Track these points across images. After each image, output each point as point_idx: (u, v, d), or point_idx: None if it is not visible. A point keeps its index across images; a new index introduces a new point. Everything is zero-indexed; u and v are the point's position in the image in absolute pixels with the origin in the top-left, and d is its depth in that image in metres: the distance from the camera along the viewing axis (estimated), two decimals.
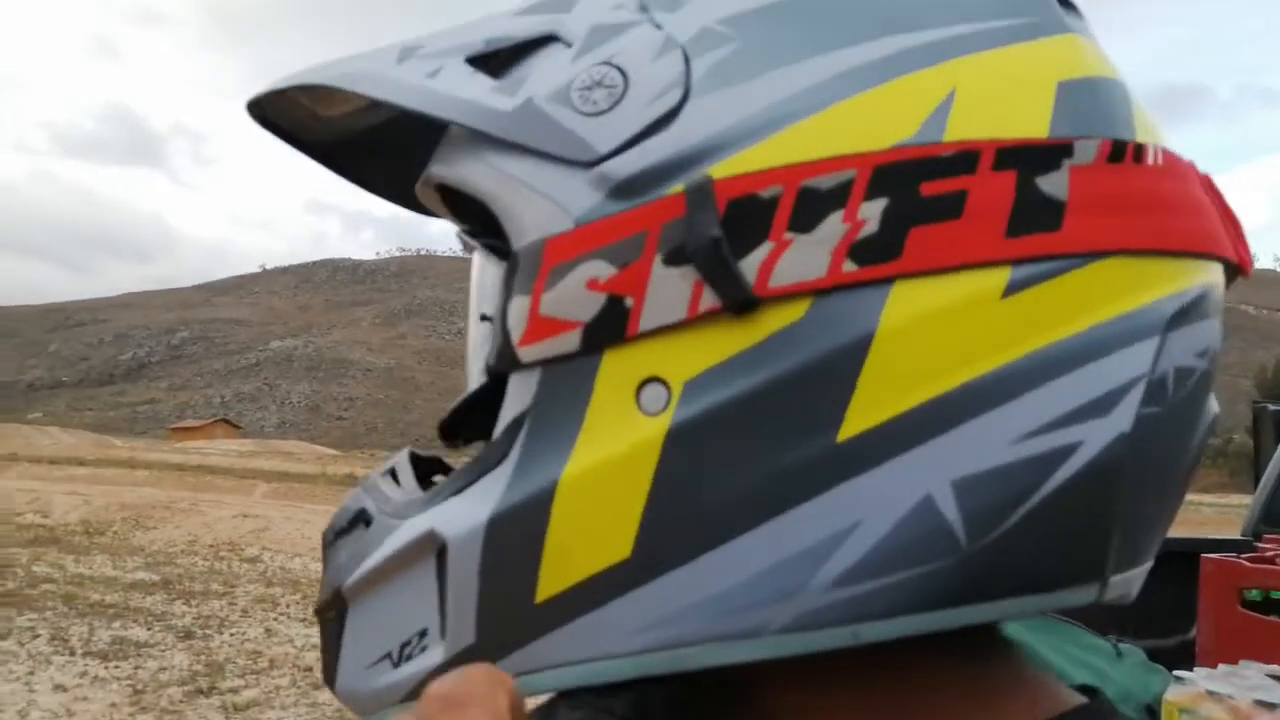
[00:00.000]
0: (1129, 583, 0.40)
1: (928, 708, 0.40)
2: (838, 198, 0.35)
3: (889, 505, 0.35)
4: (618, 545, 0.36)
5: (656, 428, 0.36)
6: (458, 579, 0.39)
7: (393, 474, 0.48)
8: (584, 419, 0.37)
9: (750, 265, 0.35)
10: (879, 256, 0.35)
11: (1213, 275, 0.40)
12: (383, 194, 0.54)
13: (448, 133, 0.44)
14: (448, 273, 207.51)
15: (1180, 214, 0.39)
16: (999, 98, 0.37)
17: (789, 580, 0.35)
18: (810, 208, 0.35)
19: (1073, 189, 0.36)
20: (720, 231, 0.35)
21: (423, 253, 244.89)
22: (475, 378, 0.49)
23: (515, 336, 0.38)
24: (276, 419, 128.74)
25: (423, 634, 0.40)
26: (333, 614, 0.44)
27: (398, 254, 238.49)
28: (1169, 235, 0.38)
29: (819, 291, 0.35)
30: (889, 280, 0.35)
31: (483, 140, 0.40)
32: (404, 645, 0.41)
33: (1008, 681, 0.42)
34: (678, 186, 0.36)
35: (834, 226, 0.35)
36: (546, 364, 0.38)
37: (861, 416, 0.35)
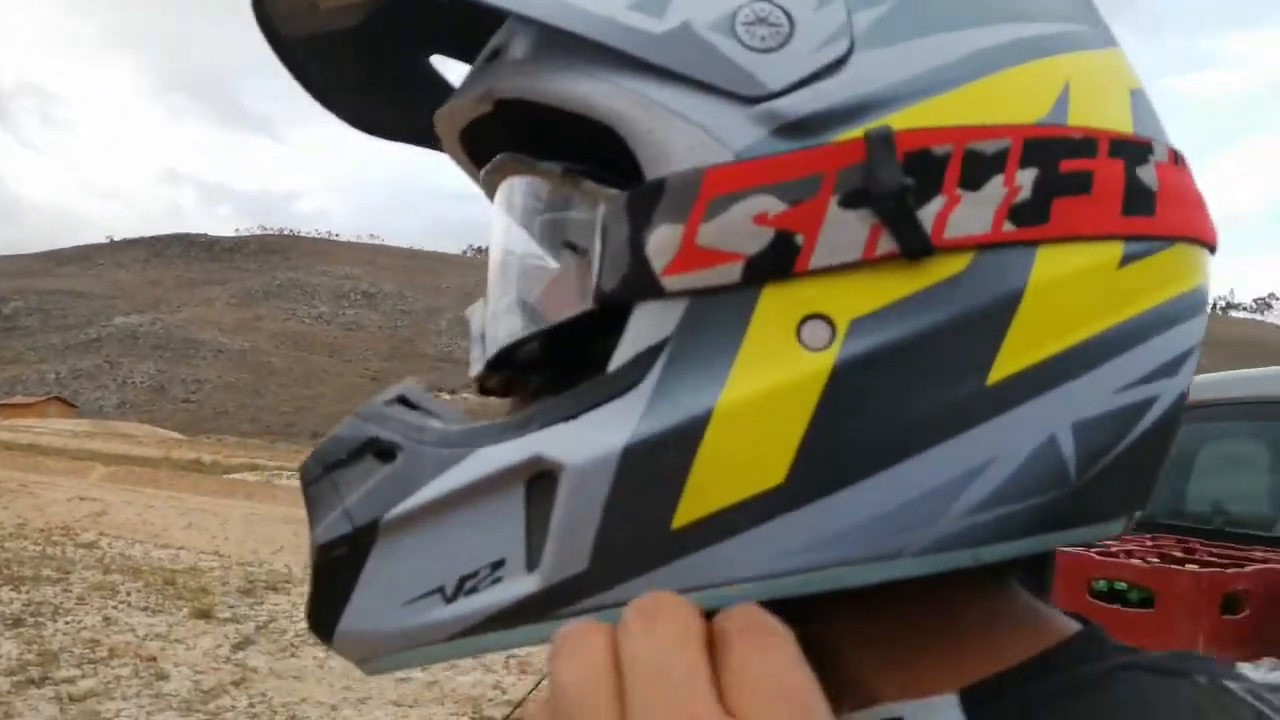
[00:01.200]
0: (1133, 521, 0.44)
1: (957, 633, 0.42)
2: (998, 163, 0.37)
3: (1021, 443, 0.38)
4: (771, 473, 0.37)
5: (821, 362, 0.37)
6: (573, 506, 0.38)
7: (404, 401, 0.45)
8: (739, 350, 0.37)
9: (927, 215, 0.36)
10: (1032, 220, 0.38)
11: None
12: (345, 105, 0.52)
13: (520, 41, 0.42)
14: (311, 254, 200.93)
15: (1206, 211, 0.44)
16: (1101, 94, 0.41)
17: (930, 509, 0.37)
18: (976, 168, 0.37)
19: (1159, 180, 0.40)
20: (910, 180, 0.36)
21: (286, 232, 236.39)
22: (512, 319, 0.47)
23: (659, 265, 0.37)
24: (116, 399, 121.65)
25: (497, 565, 0.39)
26: (343, 550, 0.41)
27: (258, 232, 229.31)
28: (1207, 229, 0.43)
29: (981, 246, 0.37)
30: (1037, 243, 0.38)
31: (614, 59, 0.38)
32: (465, 579, 0.39)
33: (1018, 609, 0.44)
34: (855, 132, 0.37)
35: (996, 188, 0.37)
36: (695, 294, 0.37)
37: (1009, 362, 0.37)
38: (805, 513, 0.37)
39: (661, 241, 0.37)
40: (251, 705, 5.82)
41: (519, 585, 0.39)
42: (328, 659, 7.13)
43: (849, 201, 0.36)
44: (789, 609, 0.41)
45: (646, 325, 0.38)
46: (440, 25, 0.50)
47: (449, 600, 0.40)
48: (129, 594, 8.96)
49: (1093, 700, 0.39)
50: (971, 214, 0.37)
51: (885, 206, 0.36)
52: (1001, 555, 0.38)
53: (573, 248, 0.44)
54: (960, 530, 0.38)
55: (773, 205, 0.36)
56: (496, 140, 0.46)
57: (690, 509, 0.37)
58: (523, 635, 0.39)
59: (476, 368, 0.49)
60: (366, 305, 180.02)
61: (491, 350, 0.48)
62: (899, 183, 0.36)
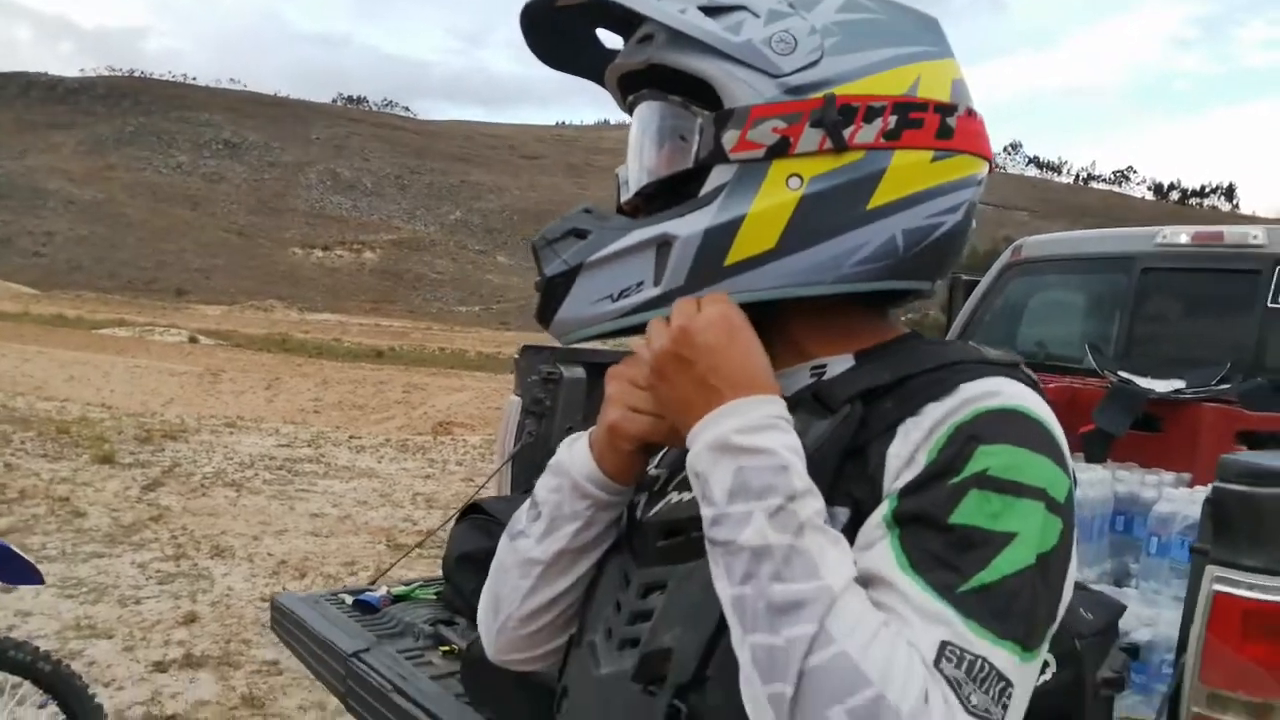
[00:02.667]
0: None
1: (854, 326, 0.86)
2: (880, 111, 0.80)
3: (879, 235, 0.81)
4: (768, 241, 0.80)
5: (796, 195, 0.80)
6: (678, 255, 0.80)
7: (583, 214, 0.86)
8: (759, 188, 0.80)
9: (846, 133, 0.79)
10: (893, 138, 0.80)
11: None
12: (543, 48, 0.92)
13: (662, 35, 0.82)
14: (165, 99, 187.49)
15: (986, 139, 0.88)
16: (934, 82, 0.83)
17: (838, 263, 0.81)
18: (870, 113, 0.79)
19: (957, 124, 0.83)
20: (838, 117, 0.79)
21: (136, 74, 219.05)
22: (640, 178, 0.87)
23: (728, 146, 0.79)
24: None
25: (640, 284, 0.81)
26: (560, 279, 0.83)
27: (106, 73, 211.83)
28: (985, 148, 0.87)
29: (868, 148, 0.80)
30: (894, 149, 0.80)
31: (714, 51, 0.80)
32: (623, 290, 0.82)
33: (885, 322, 0.89)
34: (819, 94, 0.79)
35: (879, 123, 0.80)
36: (742, 162, 0.80)
37: (878, 198, 0.80)
38: (782, 261, 0.81)
39: (730, 136, 0.80)
40: (174, 537, 6.16)
41: (651, 291, 0.81)
42: (239, 498, 7.49)
43: (814, 124, 0.79)
44: (771, 309, 0.84)
45: (719, 175, 0.80)
46: (610, 19, 0.89)
47: (615, 300, 0.82)
48: (24, 443, 9.00)
49: (905, 346, 0.84)
50: (866, 133, 0.79)
51: (828, 127, 0.79)
52: (868, 288, 0.83)
53: (682, 138, 0.84)
54: (852, 273, 0.82)
55: (779, 124, 0.79)
56: (636, 83, 0.87)
57: (733, 255, 0.80)
58: (650, 315, 0.81)
59: (626, 195, 0.89)
60: (229, 156, 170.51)
61: (636, 189, 0.87)
62: (834, 118, 0.79)
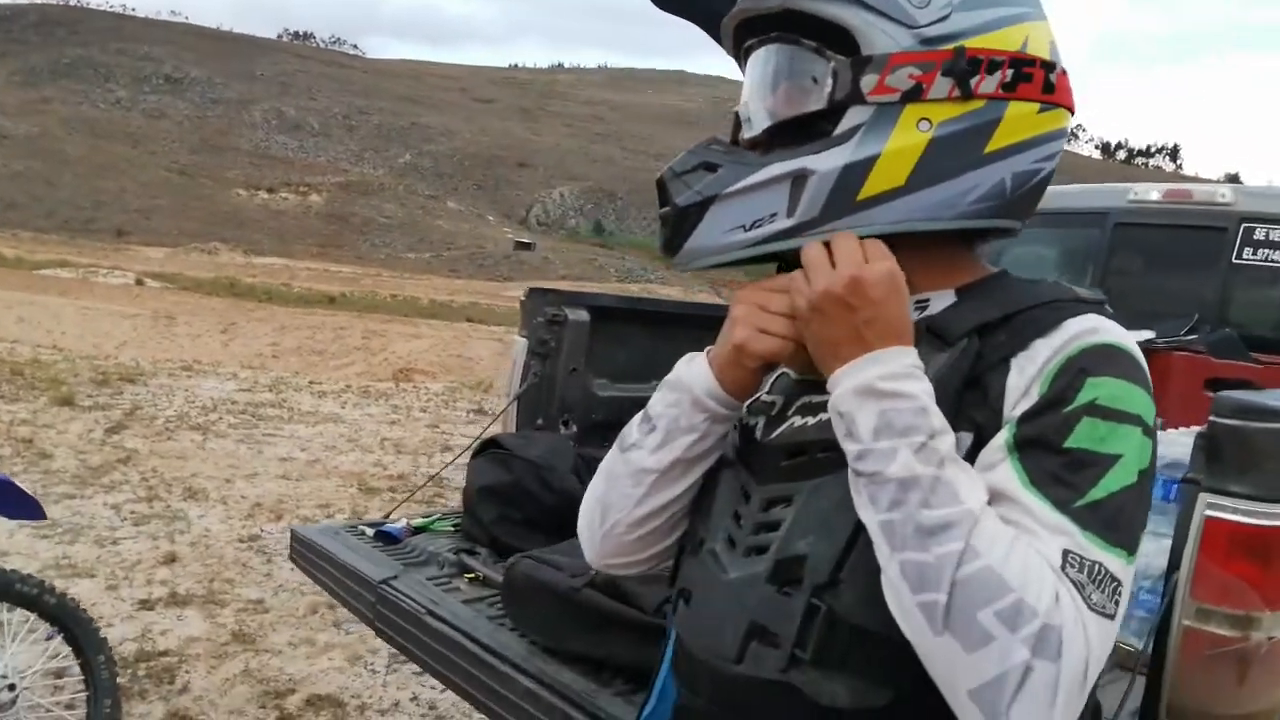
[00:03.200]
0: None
1: (957, 263, 0.95)
2: (999, 65, 0.88)
3: (992, 177, 0.90)
4: (899, 178, 0.88)
5: (925, 137, 0.88)
6: (814, 188, 0.88)
7: (710, 148, 0.93)
8: (893, 129, 0.88)
9: (972, 83, 0.87)
10: (1009, 90, 0.89)
11: None
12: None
13: None
14: (102, 30, 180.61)
15: (1072, 94, 0.96)
16: (1039, 41, 0.91)
17: (957, 200, 0.90)
18: (992, 67, 0.88)
19: (1057, 80, 0.92)
20: (969, 69, 0.87)
21: (72, 3, 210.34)
22: (766, 117, 0.94)
23: (866, 89, 0.87)
24: None
25: (773, 215, 0.89)
26: (693, 209, 0.90)
27: (39, 0, 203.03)
28: (1072, 103, 0.96)
29: (989, 98, 0.88)
30: (1010, 100, 0.89)
31: (855, 1, 0.87)
32: (755, 221, 0.89)
33: (981, 261, 0.98)
34: (950, 46, 0.87)
35: (999, 75, 0.88)
36: (879, 105, 0.88)
37: (992, 145, 0.89)
38: (909, 198, 0.89)
39: (868, 81, 0.87)
40: (145, 480, 6.15)
41: (784, 223, 0.89)
42: (205, 441, 7.47)
43: (945, 73, 0.86)
44: (892, 248, 0.92)
45: (855, 115, 0.88)
46: None
47: (747, 230, 0.90)
48: None
49: (1002, 284, 0.94)
50: (988, 84, 0.87)
51: (957, 76, 0.87)
52: (981, 224, 0.92)
53: (813, 80, 0.91)
54: (967, 211, 0.91)
55: (915, 71, 0.87)
56: (758, 28, 0.94)
57: (865, 191, 0.88)
58: (783, 245, 0.90)
59: (750, 133, 0.96)
60: (171, 91, 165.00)
61: (767, 124, 0.94)
62: (963, 68, 0.87)
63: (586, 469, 2.47)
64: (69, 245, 55.12)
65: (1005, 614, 0.72)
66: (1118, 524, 0.78)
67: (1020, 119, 0.90)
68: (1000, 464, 0.80)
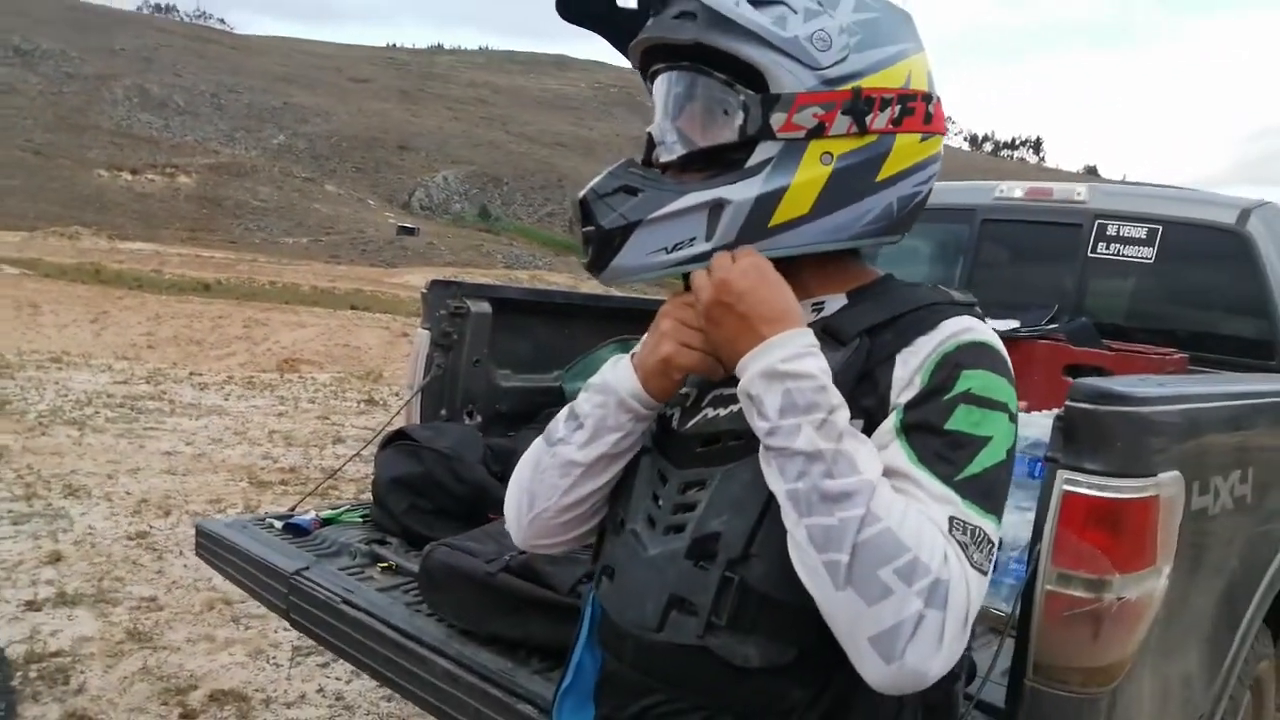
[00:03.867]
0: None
1: (849, 272, 1.08)
2: (890, 102, 1.00)
3: (881, 203, 1.03)
4: (805, 206, 1.00)
5: (828, 170, 0.99)
6: (729, 216, 0.98)
7: (629, 170, 1.02)
8: (799, 163, 0.99)
9: (868, 119, 0.99)
10: (898, 124, 1.01)
11: None
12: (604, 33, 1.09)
13: (706, 15, 0.97)
14: None
15: (944, 120, 1.09)
16: (919, 74, 1.04)
17: (851, 224, 1.02)
18: (883, 104, 1.00)
19: (934, 110, 1.06)
20: (865, 107, 0.98)
21: None
22: (681, 144, 1.03)
23: (775, 126, 0.97)
24: None
25: (692, 240, 0.99)
26: (617, 232, 0.99)
27: None
28: (944, 128, 1.09)
29: (880, 132, 1.01)
30: (897, 133, 1.01)
31: (765, 43, 0.97)
32: (676, 244, 0.99)
33: (869, 268, 1.11)
34: (849, 86, 0.98)
35: (889, 111, 1.00)
36: (787, 140, 0.98)
37: (884, 172, 1.02)
38: (813, 224, 1.01)
39: (778, 118, 0.98)
40: (20, 477, 5.90)
41: (702, 246, 1.00)
42: (83, 436, 7.19)
43: (844, 112, 0.98)
44: (793, 262, 1.04)
45: (765, 150, 0.99)
46: None
47: (669, 253, 1.00)
48: None
49: (886, 287, 1.07)
50: (880, 120, 0.99)
51: (855, 115, 0.99)
52: (872, 243, 1.05)
53: (725, 112, 1.00)
54: (860, 232, 1.03)
55: (818, 111, 0.98)
56: (668, 54, 1.03)
57: (775, 219, 0.99)
58: (701, 265, 0.99)
59: (667, 158, 1.04)
60: (21, 64, 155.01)
61: (682, 153, 1.03)
62: (860, 107, 0.98)
63: (494, 459, 2.55)
64: None
65: (903, 571, 0.85)
66: (991, 494, 0.92)
67: (906, 149, 1.03)
68: (890, 445, 0.93)
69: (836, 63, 0.99)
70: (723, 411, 1.04)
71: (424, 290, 2.96)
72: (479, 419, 2.96)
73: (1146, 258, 3.46)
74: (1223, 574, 2.19)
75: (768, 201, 0.99)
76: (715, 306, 0.96)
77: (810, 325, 1.02)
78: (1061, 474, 1.78)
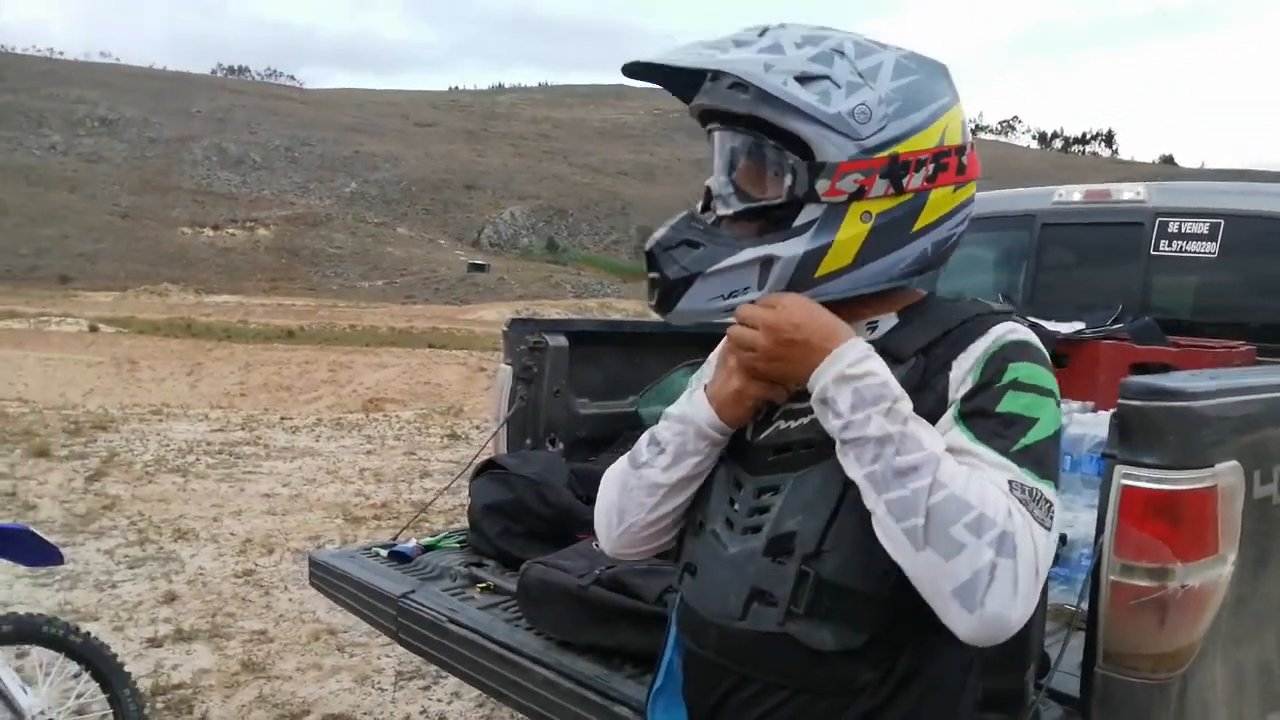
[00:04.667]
0: None
1: (897, 297, 1.20)
2: (925, 163, 1.13)
3: (919, 248, 1.16)
4: (848, 259, 1.13)
5: (868, 227, 1.12)
6: (779, 270, 1.12)
7: (690, 225, 1.17)
8: (842, 222, 1.12)
9: (904, 181, 1.12)
10: (932, 181, 1.14)
11: None
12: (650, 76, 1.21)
13: (761, 96, 1.09)
14: (31, 75, 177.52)
15: (978, 163, 1.22)
16: (954, 129, 1.16)
17: (894, 268, 1.15)
18: (918, 165, 1.13)
19: (968, 160, 1.18)
20: (901, 170, 1.11)
21: None
22: (736, 200, 1.16)
23: (820, 191, 1.10)
24: None
25: (746, 289, 1.13)
26: (680, 282, 1.13)
27: None
28: (978, 172, 1.21)
29: (916, 191, 1.13)
30: (933, 187, 1.14)
31: (811, 119, 1.09)
32: (732, 293, 1.14)
33: (914, 290, 1.23)
34: (886, 153, 1.11)
35: (924, 170, 1.13)
36: (831, 204, 1.11)
37: (920, 223, 1.15)
38: (855, 273, 1.13)
39: (822, 184, 1.11)
40: (133, 524, 6.26)
41: (755, 294, 1.13)
42: (187, 483, 7.57)
43: (883, 175, 1.10)
44: (854, 299, 1.17)
45: (811, 211, 1.12)
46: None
47: (725, 300, 1.14)
48: None
49: (933, 304, 1.19)
50: (915, 180, 1.11)
51: (892, 179, 1.11)
52: (913, 280, 1.18)
53: (775, 173, 1.14)
54: (898, 275, 1.15)
55: (859, 177, 1.11)
56: (724, 117, 1.16)
57: (820, 271, 1.13)
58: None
59: (723, 211, 1.18)
60: (107, 133, 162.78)
61: (737, 209, 1.16)
62: (897, 171, 1.11)
63: (579, 483, 2.71)
64: (14, 295, 54.11)
65: (972, 525, 0.97)
66: (1044, 461, 1.04)
67: (940, 200, 1.15)
68: (950, 430, 1.06)
69: (876, 132, 1.10)
70: (793, 424, 1.17)
71: (504, 328, 3.15)
72: (561, 446, 3.12)
73: (1210, 252, 3.48)
74: None
75: (814, 256, 1.12)
76: (779, 345, 1.10)
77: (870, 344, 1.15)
78: (1119, 469, 1.86)
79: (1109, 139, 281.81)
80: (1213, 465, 1.85)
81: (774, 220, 1.14)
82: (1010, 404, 1.05)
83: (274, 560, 5.62)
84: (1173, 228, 3.58)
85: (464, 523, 2.97)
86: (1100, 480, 2.64)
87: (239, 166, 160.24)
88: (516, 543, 2.55)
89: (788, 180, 1.12)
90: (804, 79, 1.10)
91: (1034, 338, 1.13)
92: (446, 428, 11.04)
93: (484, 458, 3.02)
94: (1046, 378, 1.09)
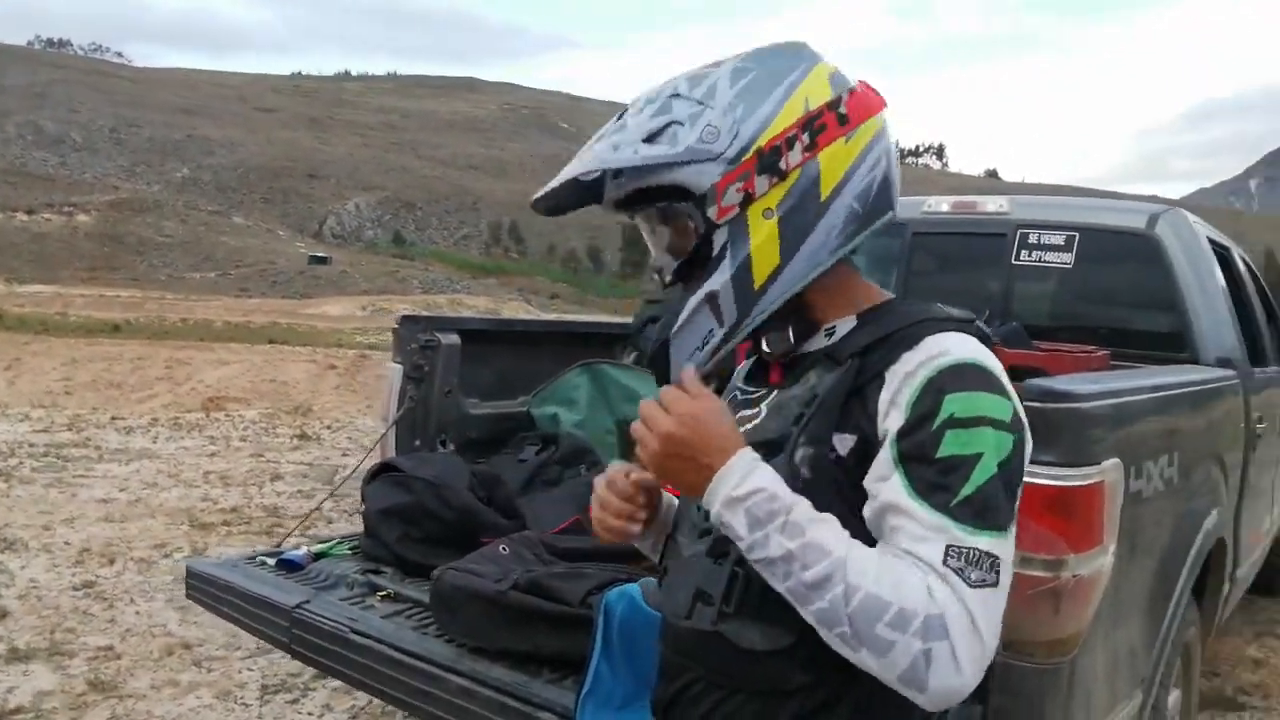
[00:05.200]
0: None
1: (853, 295, 1.21)
2: (795, 138, 1.12)
3: (842, 209, 1.15)
4: (775, 258, 1.14)
5: (774, 221, 1.13)
6: (724, 300, 1.13)
7: (647, 307, 1.23)
8: (748, 230, 1.13)
9: (781, 165, 1.13)
10: (812, 148, 1.13)
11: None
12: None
13: (631, 172, 1.12)
14: None
15: (872, 96, 1.21)
16: (817, 90, 1.15)
17: (825, 244, 1.14)
18: (789, 143, 1.13)
19: (847, 108, 1.16)
20: (773, 158, 1.12)
21: None
22: (671, 262, 1.19)
23: (714, 217, 1.13)
24: None
25: (711, 331, 1.15)
26: (660, 352, 1.16)
27: None
28: (875, 103, 1.20)
29: (799, 165, 1.13)
30: (818, 152, 1.13)
31: (669, 166, 1.11)
32: (704, 340, 1.15)
33: (875, 289, 1.24)
34: (750, 153, 1.12)
35: (798, 144, 1.13)
36: (729, 221, 1.13)
37: (825, 189, 1.14)
38: (791, 265, 1.13)
39: (712, 211, 1.12)
40: None
41: (721, 331, 1.13)
42: (10, 489, 6.99)
43: (760, 173, 1.10)
44: (799, 296, 1.18)
45: (719, 236, 1.13)
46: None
47: (702, 350, 1.14)
48: None
49: (891, 308, 1.20)
50: (794, 156, 1.11)
51: (768, 169, 1.11)
52: (854, 245, 1.17)
53: (680, 223, 1.16)
54: (837, 244, 1.15)
55: (739, 185, 1.11)
56: (625, 202, 1.17)
57: (757, 281, 1.13)
58: (732, 344, 1.15)
59: (669, 279, 1.20)
60: None
61: (671, 272, 1.19)
62: (769, 161, 1.10)
63: (480, 484, 2.65)
64: None
65: (894, 623, 0.96)
66: (986, 511, 1.00)
67: (834, 158, 1.14)
68: (891, 476, 1.03)
69: (731, 142, 1.12)
70: (745, 428, 1.18)
71: (395, 326, 3.05)
72: (452, 447, 3.05)
73: (1066, 262, 3.71)
74: (1157, 550, 2.40)
75: (743, 273, 1.14)
76: (665, 457, 1.08)
77: (818, 351, 1.17)
78: None
79: (940, 152, 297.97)
80: (1099, 462, 1.97)
81: (702, 263, 1.15)
82: (949, 446, 1.01)
83: (116, 571, 5.25)
84: (1032, 239, 3.80)
85: (335, 529, 2.85)
86: None
87: (58, 147, 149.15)
88: (416, 548, 2.46)
89: (691, 225, 1.15)
90: (651, 137, 1.13)
91: (974, 355, 1.07)
92: (295, 428, 10.59)
93: (373, 460, 2.92)
94: (987, 403, 1.03)
